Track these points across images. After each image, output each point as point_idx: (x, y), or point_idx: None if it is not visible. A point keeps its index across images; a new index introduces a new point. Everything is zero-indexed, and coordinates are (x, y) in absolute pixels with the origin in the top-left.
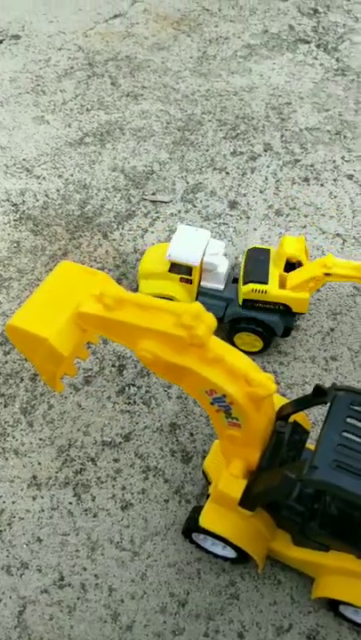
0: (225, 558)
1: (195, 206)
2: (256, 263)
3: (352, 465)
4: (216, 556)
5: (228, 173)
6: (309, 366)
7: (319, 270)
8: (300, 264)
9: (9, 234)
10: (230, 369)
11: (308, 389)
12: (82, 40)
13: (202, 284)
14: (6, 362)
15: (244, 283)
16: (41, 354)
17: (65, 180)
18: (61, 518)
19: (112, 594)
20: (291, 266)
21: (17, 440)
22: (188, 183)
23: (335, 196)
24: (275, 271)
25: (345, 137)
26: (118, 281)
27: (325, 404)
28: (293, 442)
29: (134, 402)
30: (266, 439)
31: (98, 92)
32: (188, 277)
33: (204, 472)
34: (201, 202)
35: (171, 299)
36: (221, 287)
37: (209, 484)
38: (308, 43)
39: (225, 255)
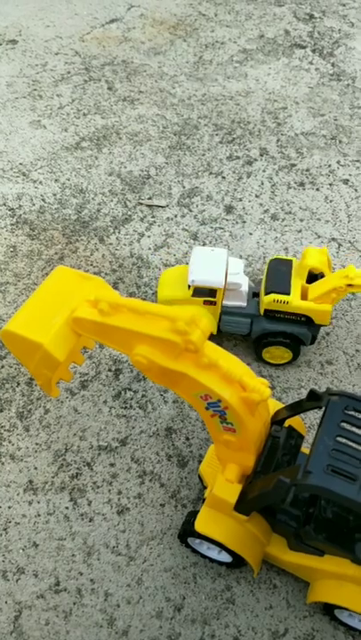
0: (221, 563)
1: (191, 211)
2: (278, 274)
3: (346, 470)
4: (212, 560)
5: (224, 178)
6: (305, 370)
7: (341, 281)
8: (322, 275)
9: (5, 238)
10: (225, 374)
11: (304, 393)
12: (78, 45)
13: (224, 302)
14: (2, 366)
15: (266, 293)
16: (36, 359)
17: (61, 184)
18: (57, 523)
19: (108, 599)
20: (313, 277)
21: (13, 445)
22: (184, 187)
23: (331, 201)
24: (297, 282)
25: (340, 142)
26: (115, 285)
27: (320, 408)
28: (288, 446)
29: (130, 406)
30: (261, 444)
31: (94, 96)
32: (213, 300)
33: (199, 476)
34: (197, 206)
35: None
36: (244, 304)
37: (205, 488)
38: (303, 48)
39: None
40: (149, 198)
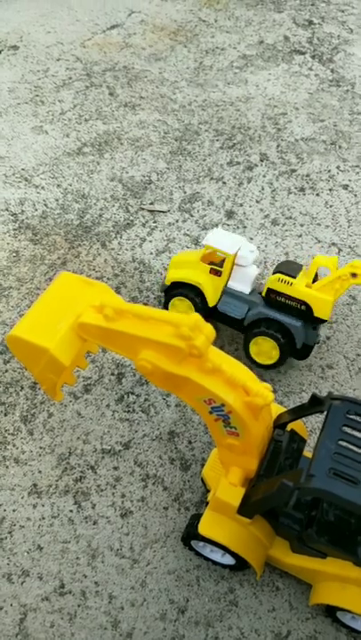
0: (224, 565)
1: (192, 216)
2: (289, 264)
3: (348, 473)
4: (215, 563)
5: (224, 183)
6: (306, 374)
7: (346, 270)
8: None
9: (8, 243)
10: (229, 378)
11: (306, 397)
12: (80, 51)
13: (229, 284)
14: (6, 370)
15: (273, 273)
16: (42, 364)
17: (64, 189)
18: (62, 526)
19: (112, 601)
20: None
21: (17, 448)
22: (185, 193)
23: (331, 206)
24: (304, 276)
25: (340, 147)
26: (117, 290)
27: (322, 412)
28: (291, 450)
29: (133, 410)
30: (264, 447)
31: (96, 102)
32: (219, 269)
33: (202, 480)
34: (198, 211)
35: (197, 286)
36: (247, 290)
37: (208, 491)
38: (303, 54)
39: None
40: (151, 203)
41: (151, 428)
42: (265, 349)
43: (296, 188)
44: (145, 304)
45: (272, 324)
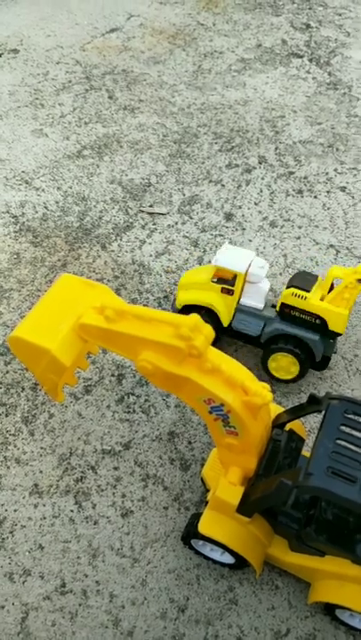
0: (223, 564)
1: (191, 218)
2: (303, 277)
3: (346, 472)
4: (215, 561)
5: (223, 185)
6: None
7: (351, 277)
8: None
9: (9, 245)
10: (228, 378)
11: (304, 398)
12: (79, 54)
13: (242, 301)
14: (7, 372)
15: (287, 287)
16: (43, 364)
17: (64, 192)
18: (63, 526)
19: (113, 600)
20: None
21: (18, 449)
22: (184, 195)
23: (328, 208)
24: (318, 289)
25: (337, 149)
26: (117, 292)
27: (320, 412)
28: (289, 449)
29: (133, 410)
30: (263, 447)
31: (95, 105)
32: (231, 288)
33: (202, 479)
34: (197, 214)
35: (211, 309)
36: (261, 306)
37: (207, 491)
38: (300, 57)
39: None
40: (150, 206)
41: (151, 428)
42: (284, 365)
43: (294, 190)
44: (145, 305)
45: (290, 340)
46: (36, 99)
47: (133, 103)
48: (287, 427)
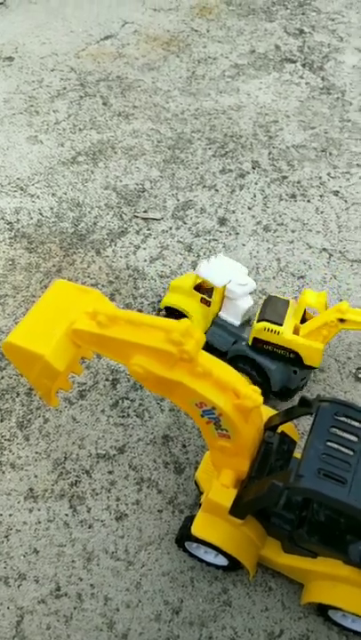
0: (217, 566)
1: (185, 223)
2: (275, 306)
3: (336, 473)
4: (209, 564)
5: (217, 191)
6: None
7: (333, 315)
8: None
9: (4, 252)
10: (219, 382)
11: (297, 400)
12: (74, 61)
13: (220, 314)
14: (2, 377)
15: (258, 321)
16: (37, 370)
17: (58, 198)
18: (57, 530)
19: (108, 603)
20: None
21: (13, 454)
22: (178, 200)
23: (321, 212)
24: (292, 319)
25: (331, 154)
26: (111, 297)
27: (311, 414)
28: (281, 451)
29: (128, 415)
30: (255, 449)
31: (90, 111)
32: (208, 299)
33: (196, 483)
34: (191, 219)
35: (186, 315)
36: (237, 323)
37: (201, 493)
38: (294, 62)
39: (251, 295)
40: (145, 211)
41: (145, 432)
42: None
43: (287, 194)
44: (139, 310)
45: (248, 362)
46: (31, 106)
47: (128, 109)
48: (279, 429)
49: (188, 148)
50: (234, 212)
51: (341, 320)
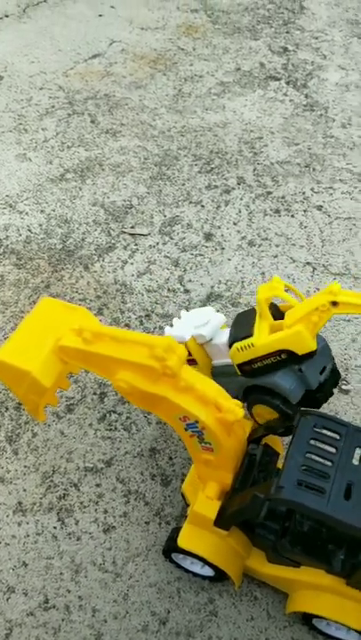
0: (204, 577)
1: (172, 238)
2: (241, 322)
3: (315, 484)
4: (195, 574)
5: (203, 206)
6: None
7: (324, 298)
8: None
9: None
10: (201, 396)
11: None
12: (62, 79)
13: (213, 362)
14: None
15: (229, 346)
16: (25, 386)
17: (47, 214)
18: (46, 542)
19: (95, 614)
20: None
21: (2, 468)
22: (165, 216)
23: (305, 227)
24: (262, 323)
25: (314, 169)
26: (99, 311)
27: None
28: (264, 463)
29: (115, 428)
30: (238, 462)
31: (78, 129)
32: (190, 358)
33: (182, 495)
34: (178, 234)
35: None
36: (230, 360)
37: (188, 505)
38: (278, 80)
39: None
40: (132, 227)
41: (133, 445)
42: (263, 413)
43: (272, 209)
44: (127, 324)
45: (261, 390)
46: (20, 124)
47: (115, 127)
48: (263, 441)
49: (174, 164)
50: (219, 227)
51: (334, 303)
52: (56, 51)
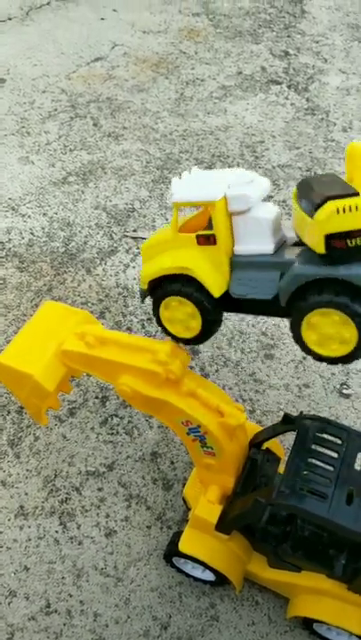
0: (205, 581)
1: None
2: (322, 183)
3: (316, 489)
4: (196, 579)
5: None
6: (283, 394)
7: None
8: None
9: None
10: (203, 401)
11: None
12: (65, 83)
13: (236, 249)
14: None
15: (320, 205)
16: (27, 389)
17: (49, 218)
18: (48, 547)
19: (97, 619)
20: None
21: (4, 471)
22: (167, 220)
23: None
24: (357, 177)
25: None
26: (101, 314)
27: (294, 431)
28: (266, 468)
29: (117, 432)
30: (240, 466)
31: (80, 132)
32: (209, 232)
33: (183, 499)
34: None
35: (189, 276)
36: (270, 248)
37: (189, 509)
38: (279, 83)
39: (271, 199)
40: (134, 230)
41: (134, 449)
42: (331, 332)
43: None
44: (129, 328)
45: (329, 289)
46: (23, 127)
47: (117, 130)
48: (264, 445)
49: (176, 168)
50: None
51: None
52: (59, 54)
